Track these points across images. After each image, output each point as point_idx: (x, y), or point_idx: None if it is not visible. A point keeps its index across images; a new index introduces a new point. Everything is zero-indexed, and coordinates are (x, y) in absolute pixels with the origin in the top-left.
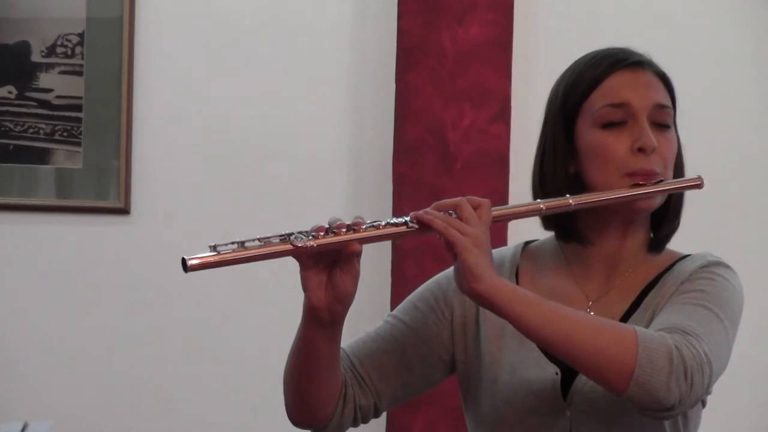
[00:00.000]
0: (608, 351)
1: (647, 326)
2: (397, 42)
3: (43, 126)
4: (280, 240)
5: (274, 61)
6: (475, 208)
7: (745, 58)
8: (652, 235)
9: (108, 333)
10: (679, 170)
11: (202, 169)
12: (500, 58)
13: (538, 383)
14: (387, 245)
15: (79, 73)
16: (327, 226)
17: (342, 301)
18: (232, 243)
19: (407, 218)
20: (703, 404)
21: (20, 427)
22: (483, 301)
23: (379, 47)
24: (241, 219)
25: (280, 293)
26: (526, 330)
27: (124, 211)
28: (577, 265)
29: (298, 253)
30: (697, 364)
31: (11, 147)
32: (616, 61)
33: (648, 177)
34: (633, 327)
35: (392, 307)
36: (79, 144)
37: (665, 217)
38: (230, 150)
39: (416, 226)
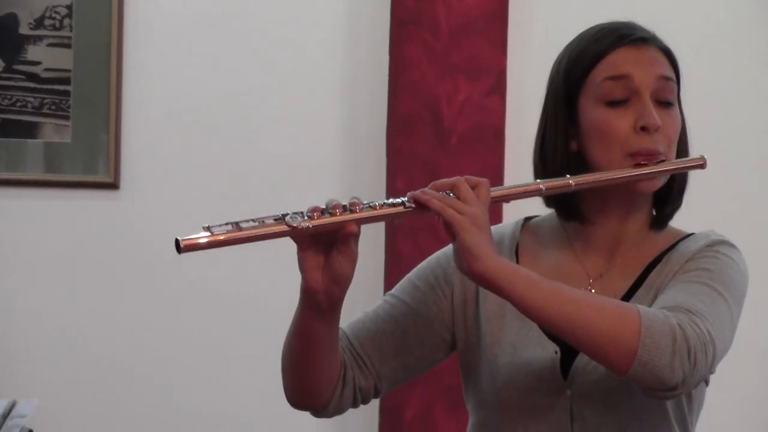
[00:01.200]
0: (611, 331)
1: (651, 305)
2: (391, 14)
3: (31, 99)
4: (275, 221)
5: (266, 34)
6: (474, 187)
7: (750, 37)
8: (654, 212)
9: (96, 309)
10: (683, 149)
11: (192, 144)
12: (495, 31)
13: (538, 363)
14: (381, 223)
15: (68, 46)
16: (323, 206)
17: (339, 284)
18: (227, 224)
19: (404, 198)
20: (706, 383)
21: (8, 406)
22: (483, 281)
23: (373, 20)
24: (232, 194)
25: (274, 269)
26: (527, 310)
27: (113, 185)
28: (578, 242)
29: (294, 234)
30: (701, 343)
31: None
32: (620, 36)
33: (651, 157)
34: (636, 306)
35: (386, 285)
36: (67, 118)
37: (668, 196)
38: (221, 124)
39: (413, 207)
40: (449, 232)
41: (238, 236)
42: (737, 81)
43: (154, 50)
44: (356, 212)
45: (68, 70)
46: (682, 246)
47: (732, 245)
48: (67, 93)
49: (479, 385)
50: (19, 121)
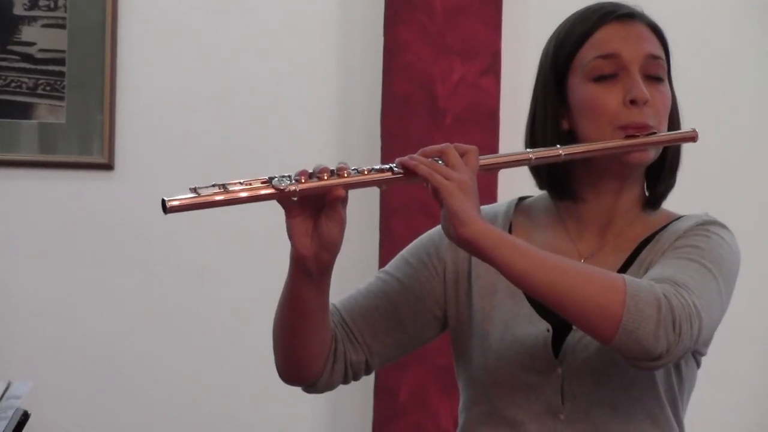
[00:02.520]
0: (596, 299)
1: None
2: None
3: (26, 80)
4: (262, 183)
5: (263, 14)
6: (462, 154)
7: (743, 18)
8: (647, 193)
9: (91, 290)
10: (674, 125)
11: (187, 124)
12: (490, 12)
13: (530, 340)
14: (375, 202)
15: (62, 26)
16: (311, 171)
17: (328, 249)
18: (214, 185)
19: (392, 164)
20: (698, 365)
21: (3, 387)
22: (470, 247)
23: (367, 1)
24: (228, 175)
25: (267, 248)
26: (513, 276)
27: (108, 166)
28: (571, 221)
29: (280, 197)
30: (686, 314)
31: None
32: (605, 14)
33: (640, 129)
34: (622, 276)
35: (380, 265)
36: (62, 98)
37: (661, 173)
38: (216, 105)
39: (401, 172)
40: (437, 198)
41: (224, 198)
42: (735, 72)
43: (149, 31)
44: (344, 177)
45: (63, 51)
46: (674, 226)
47: (723, 226)
48: (61, 74)
49: (470, 363)
50: (14, 101)
